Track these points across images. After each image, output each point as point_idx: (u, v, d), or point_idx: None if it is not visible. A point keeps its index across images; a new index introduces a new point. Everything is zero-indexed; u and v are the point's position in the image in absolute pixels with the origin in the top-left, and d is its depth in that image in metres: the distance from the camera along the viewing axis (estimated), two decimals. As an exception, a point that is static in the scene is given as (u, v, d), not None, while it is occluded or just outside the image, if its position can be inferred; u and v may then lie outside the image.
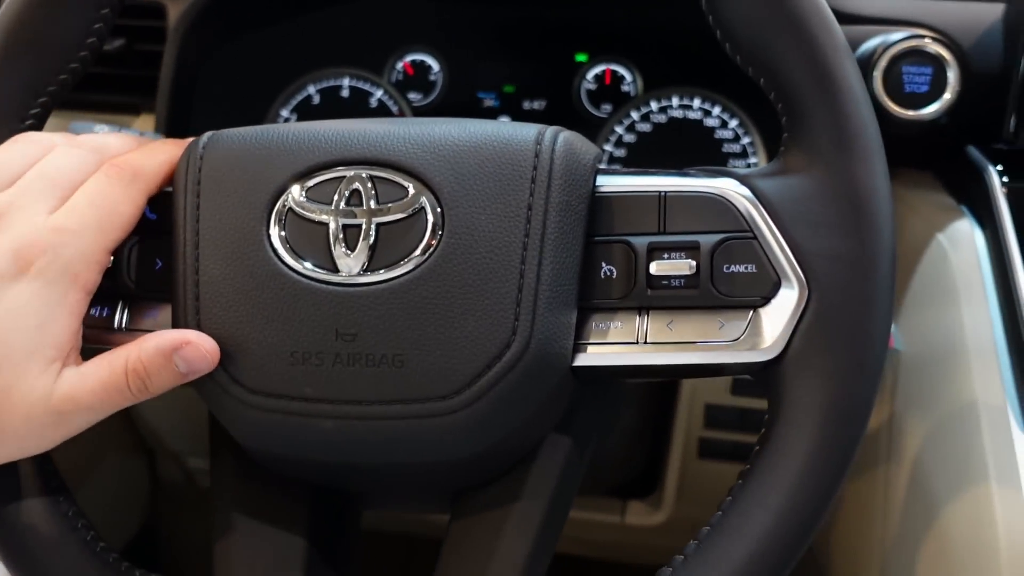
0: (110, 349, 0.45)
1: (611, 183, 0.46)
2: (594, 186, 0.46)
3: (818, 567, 0.82)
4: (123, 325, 0.49)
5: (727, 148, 0.86)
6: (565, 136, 0.46)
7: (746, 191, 0.45)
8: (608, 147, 0.87)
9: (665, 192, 0.46)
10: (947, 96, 0.69)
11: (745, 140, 0.86)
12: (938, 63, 0.69)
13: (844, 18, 0.47)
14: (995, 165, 0.68)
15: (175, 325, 0.46)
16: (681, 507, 0.91)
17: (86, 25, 0.49)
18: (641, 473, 0.93)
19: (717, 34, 0.47)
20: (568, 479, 0.49)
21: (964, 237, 0.67)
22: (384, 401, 0.44)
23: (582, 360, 0.45)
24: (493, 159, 0.45)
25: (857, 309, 0.43)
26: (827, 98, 0.44)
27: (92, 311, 0.48)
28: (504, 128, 0.46)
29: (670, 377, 0.52)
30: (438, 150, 0.45)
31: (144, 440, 1.09)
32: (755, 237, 0.44)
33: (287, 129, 0.47)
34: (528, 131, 0.46)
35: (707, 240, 0.45)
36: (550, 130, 0.46)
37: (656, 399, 0.89)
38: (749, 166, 0.85)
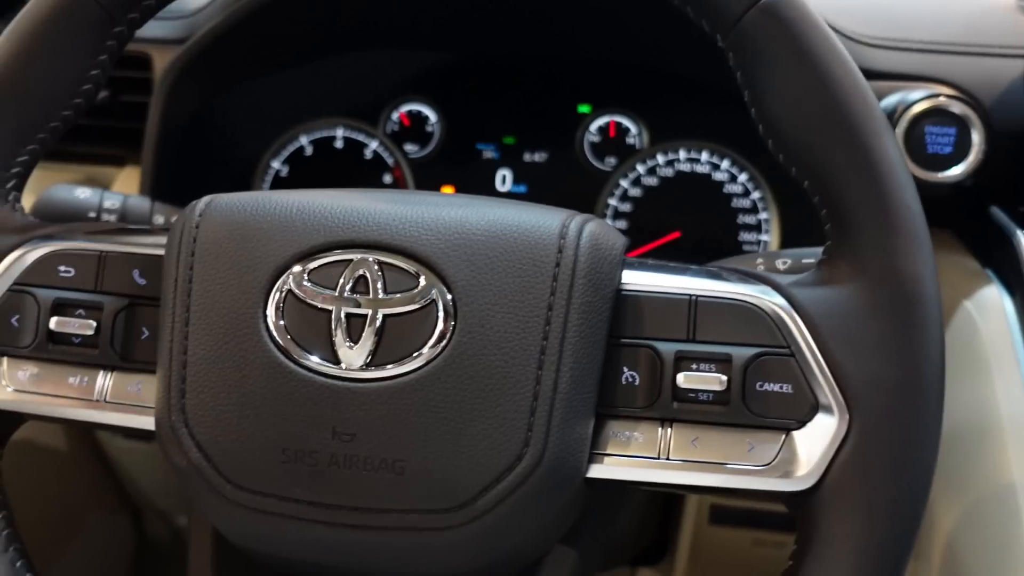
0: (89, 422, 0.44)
1: (637, 281, 0.43)
2: (619, 283, 0.43)
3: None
4: (105, 396, 0.46)
5: (736, 203, 0.83)
6: (591, 228, 0.42)
7: (784, 302, 0.42)
8: (613, 201, 0.84)
9: (696, 296, 0.42)
10: (972, 157, 0.66)
11: (755, 195, 0.83)
12: (962, 123, 0.66)
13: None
14: (1023, 229, 0.65)
15: (158, 404, 0.43)
16: (693, 574, 0.88)
17: (81, 73, 0.47)
18: (651, 541, 0.90)
19: (759, 128, 0.44)
20: None
21: (993, 305, 0.64)
22: (380, 510, 0.41)
23: (597, 472, 0.42)
24: (512, 251, 0.41)
25: (902, 442, 0.39)
26: (881, 216, 0.40)
27: (71, 380, 0.46)
28: (526, 216, 0.43)
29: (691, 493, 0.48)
30: (453, 238, 0.42)
31: (130, 498, 1.05)
32: (792, 355, 0.41)
33: (292, 200, 0.44)
34: (551, 221, 0.42)
35: (740, 353, 0.41)
36: (575, 220, 0.43)
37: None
38: (759, 222, 0.83)
